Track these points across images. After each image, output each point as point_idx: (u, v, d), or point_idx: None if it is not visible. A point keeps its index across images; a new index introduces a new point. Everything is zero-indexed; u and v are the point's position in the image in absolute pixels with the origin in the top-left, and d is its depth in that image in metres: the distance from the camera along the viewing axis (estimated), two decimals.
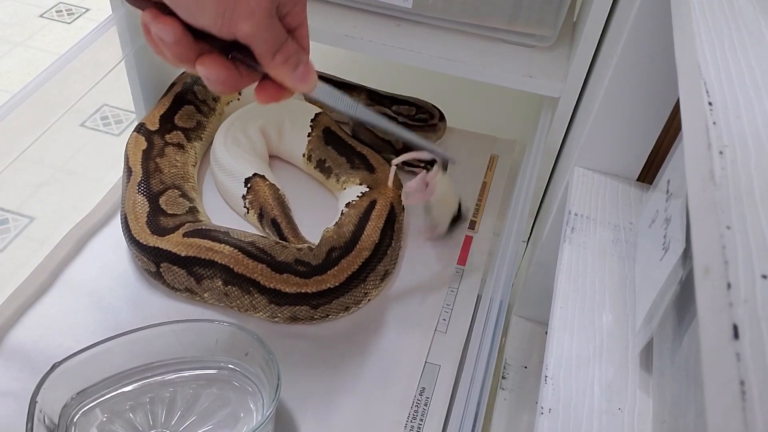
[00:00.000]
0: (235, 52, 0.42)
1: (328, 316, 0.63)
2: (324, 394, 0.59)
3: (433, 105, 0.86)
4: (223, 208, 0.75)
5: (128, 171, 0.70)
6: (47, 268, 0.66)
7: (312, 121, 0.79)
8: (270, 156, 0.82)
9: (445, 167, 0.60)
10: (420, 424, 0.58)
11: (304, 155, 0.79)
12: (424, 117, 0.85)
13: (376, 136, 0.79)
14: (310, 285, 0.60)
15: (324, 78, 0.86)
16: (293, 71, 0.44)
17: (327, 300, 0.61)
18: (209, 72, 0.42)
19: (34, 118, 0.78)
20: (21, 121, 0.71)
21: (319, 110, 0.81)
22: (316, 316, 0.62)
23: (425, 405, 0.59)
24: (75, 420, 0.53)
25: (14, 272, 0.66)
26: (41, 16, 1.48)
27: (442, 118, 0.85)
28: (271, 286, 0.60)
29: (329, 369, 0.61)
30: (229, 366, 0.57)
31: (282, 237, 0.69)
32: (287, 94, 0.47)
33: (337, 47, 0.71)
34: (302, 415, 0.57)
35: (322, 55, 0.99)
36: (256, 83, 0.46)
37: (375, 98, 0.86)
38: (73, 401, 0.53)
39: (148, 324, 0.56)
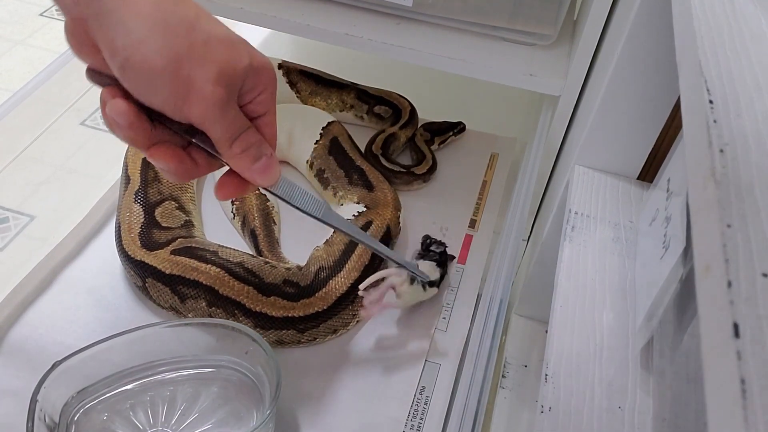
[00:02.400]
0: (197, 138, 0.41)
1: (315, 339, 0.61)
2: (324, 392, 0.59)
3: (410, 110, 0.85)
4: (220, 219, 0.74)
5: (126, 179, 0.70)
6: (47, 266, 0.66)
7: (323, 128, 0.78)
8: (280, 161, 0.81)
9: (413, 279, 0.59)
10: (420, 423, 0.58)
11: (308, 162, 0.78)
12: (390, 120, 0.85)
13: (387, 169, 0.77)
14: (298, 309, 0.59)
15: (317, 74, 0.86)
16: (253, 163, 0.42)
17: (314, 324, 0.60)
18: (160, 163, 0.41)
19: (34, 116, 0.78)
20: (21, 120, 0.71)
21: (332, 118, 0.80)
22: (303, 340, 0.61)
23: (425, 404, 0.59)
24: (75, 419, 0.53)
25: (15, 271, 0.66)
26: (41, 14, 1.48)
27: (405, 125, 0.83)
28: (257, 309, 0.59)
29: (329, 367, 0.61)
30: (230, 364, 0.57)
31: (257, 249, 0.68)
32: (249, 189, 0.45)
33: (337, 46, 0.71)
34: (303, 413, 0.57)
35: (318, 51, 0.99)
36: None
37: (362, 97, 0.85)
38: (73, 400, 0.53)
39: (148, 322, 0.56)
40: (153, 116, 0.40)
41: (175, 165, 0.42)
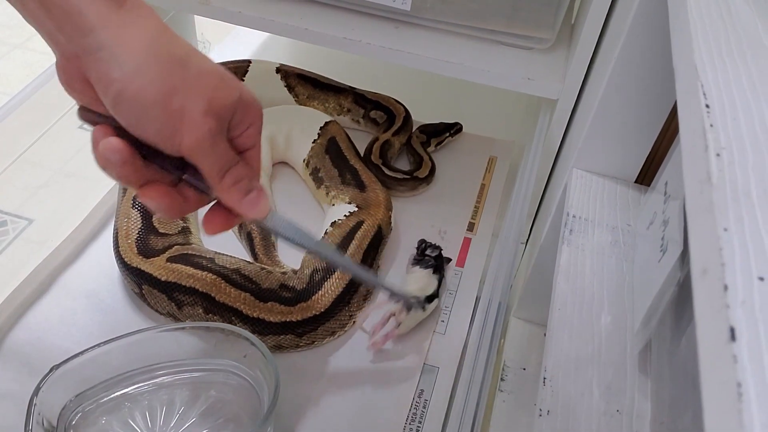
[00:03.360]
0: (186, 175, 0.42)
1: (313, 342, 0.62)
2: (322, 396, 0.59)
3: (404, 116, 0.85)
4: None
5: None
6: (45, 270, 0.66)
7: (321, 128, 0.79)
8: (277, 162, 0.82)
9: (409, 308, 0.60)
10: (419, 426, 0.57)
11: (304, 160, 0.78)
12: (384, 126, 0.85)
13: (391, 177, 0.78)
14: (295, 313, 0.59)
15: (315, 78, 0.86)
16: (244, 196, 0.43)
17: (313, 327, 0.60)
18: (152, 202, 0.42)
19: (32, 119, 0.78)
20: (20, 123, 0.71)
21: (329, 118, 0.81)
22: (301, 344, 0.61)
23: (424, 407, 0.59)
24: (74, 422, 0.53)
25: (13, 274, 0.66)
26: None
27: (398, 131, 0.83)
28: (255, 315, 0.59)
29: (328, 371, 0.61)
30: (228, 368, 0.57)
31: (253, 253, 0.68)
32: (236, 221, 0.46)
33: (335, 50, 0.71)
34: (301, 417, 0.57)
35: (316, 55, 0.99)
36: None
37: (359, 102, 0.86)
38: (71, 404, 0.53)
39: (146, 326, 0.56)
40: (144, 154, 0.40)
41: (167, 203, 0.42)
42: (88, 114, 0.41)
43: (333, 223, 0.69)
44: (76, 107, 0.41)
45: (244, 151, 0.44)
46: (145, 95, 0.37)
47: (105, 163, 0.40)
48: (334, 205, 0.73)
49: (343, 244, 0.65)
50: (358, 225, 0.67)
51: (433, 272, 0.65)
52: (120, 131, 0.40)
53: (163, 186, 0.42)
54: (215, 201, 0.45)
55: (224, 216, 0.45)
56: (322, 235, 0.68)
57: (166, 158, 0.41)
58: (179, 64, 0.38)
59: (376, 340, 0.60)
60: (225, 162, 0.41)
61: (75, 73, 0.38)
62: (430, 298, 0.63)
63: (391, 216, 0.71)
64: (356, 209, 0.70)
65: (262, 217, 0.44)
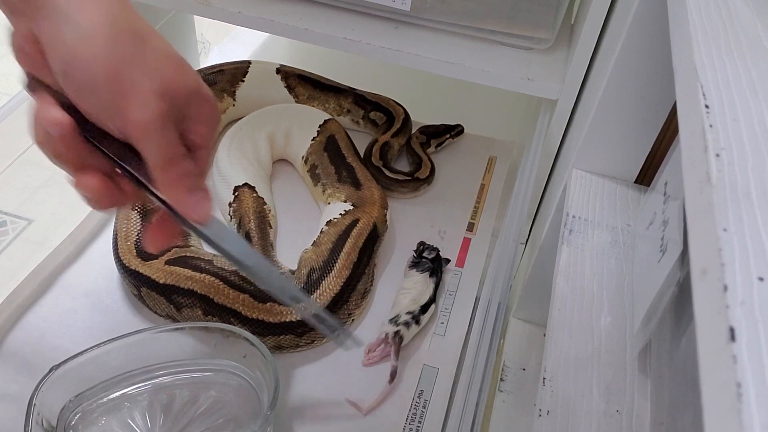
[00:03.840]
0: (128, 164, 0.38)
1: (313, 342, 0.61)
2: (322, 396, 0.59)
3: (404, 118, 0.84)
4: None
5: None
6: (45, 270, 0.66)
7: (320, 126, 0.79)
8: (277, 160, 0.82)
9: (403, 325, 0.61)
10: (419, 427, 0.57)
11: (303, 157, 0.79)
12: (384, 127, 0.85)
13: (392, 179, 0.77)
14: (294, 313, 0.59)
15: (315, 79, 0.86)
16: (188, 193, 0.39)
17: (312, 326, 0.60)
18: (87, 190, 0.39)
19: None
20: (20, 123, 0.70)
21: (328, 116, 0.81)
22: (301, 344, 0.61)
23: (423, 407, 0.59)
24: (73, 423, 0.53)
25: (13, 275, 0.66)
26: None
27: (397, 133, 0.83)
28: (254, 316, 0.59)
29: (328, 371, 0.61)
30: (228, 369, 0.57)
31: None
32: (177, 234, 0.42)
33: (335, 50, 0.71)
34: (300, 417, 0.57)
35: (316, 55, 0.99)
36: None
37: (359, 102, 0.86)
38: (71, 404, 0.53)
39: (146, 327, 0.56)
40: (86, 134, 0.38)
41: (102, 193, 0.39)
42: (36, 85, 0.38)
43: (328, 222, 0.69)
44: (24, 83, 0.39)
45: (195, 150, 0.41)
46: (97, 63, 0.35)
47: (43, 137, 0.37)
48: (329, 203, 0.73)
49: (339, 243, 0.65)
50: (354, 223, 0.67)
51: (430, 275, 0.65)
52: (65, 107, 0.37)
53: (101, 174, 0.39)
54: (153, 211, 0.42)
55: (167, 231, 0.42)
56: (318, 234, 0.68)
57: (110, 141, 0.38)
58: (138, 37, 0.36)
59: (372, 356, 0.61)
60: (172, 151, 0.38)
61: (27, 34, 0.36)
62: (425, 308, 0.63)
63: (386, 214, 0.71)
64: (351, 207, 0.70)
65: (204, 221, 0.40)
